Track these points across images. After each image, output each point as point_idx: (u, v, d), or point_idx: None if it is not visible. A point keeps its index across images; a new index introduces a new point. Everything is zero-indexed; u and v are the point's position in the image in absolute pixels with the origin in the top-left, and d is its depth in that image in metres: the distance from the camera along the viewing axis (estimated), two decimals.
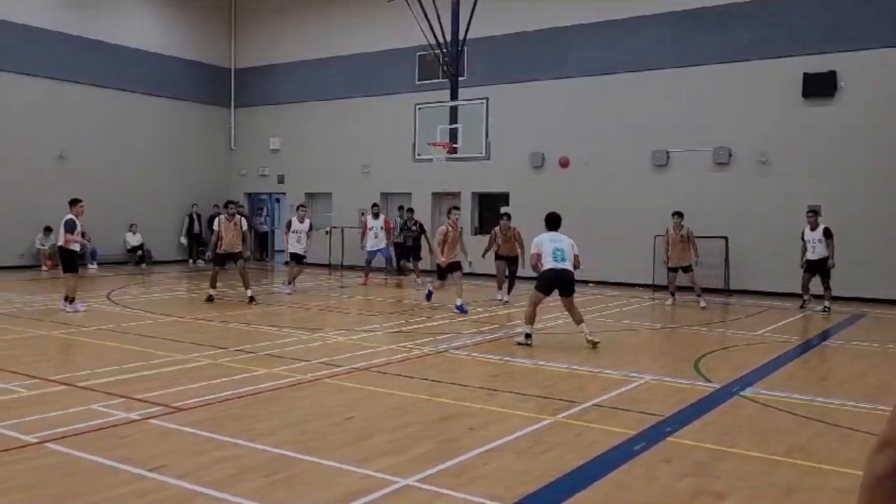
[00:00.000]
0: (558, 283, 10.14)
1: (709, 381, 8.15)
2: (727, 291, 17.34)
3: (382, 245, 18.73)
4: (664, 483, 4.99)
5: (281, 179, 25.61)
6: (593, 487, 4.90)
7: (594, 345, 9.91)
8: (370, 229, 18.61)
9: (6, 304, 13.58)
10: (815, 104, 16.74)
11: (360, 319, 12.61)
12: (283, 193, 25.84)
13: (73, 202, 13.10)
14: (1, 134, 20.37)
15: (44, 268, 20.56)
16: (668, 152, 18.50)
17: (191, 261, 24.58)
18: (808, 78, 16.69)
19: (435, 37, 17.08)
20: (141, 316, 12.32)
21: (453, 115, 16.08)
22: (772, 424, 6.53)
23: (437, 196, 22.41)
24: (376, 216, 18.81)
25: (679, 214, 15.23)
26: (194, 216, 24.73)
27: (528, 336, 10.10)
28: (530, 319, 10.16)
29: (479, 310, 13.85)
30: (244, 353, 9.21)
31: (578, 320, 10.26)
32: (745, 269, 17.44)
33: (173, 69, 24.69)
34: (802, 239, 14.45)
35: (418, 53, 21.71)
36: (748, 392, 7.63)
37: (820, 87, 16.59)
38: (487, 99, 15.84)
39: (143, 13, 24.00)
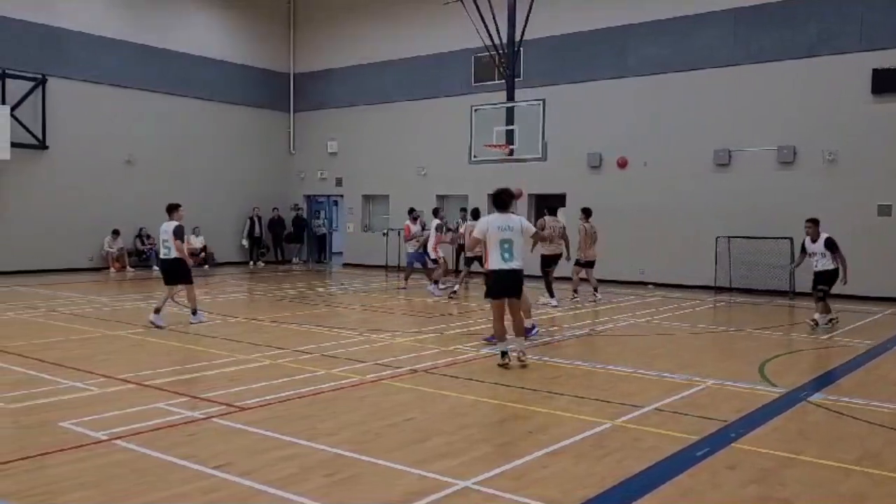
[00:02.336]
0: (509, 285, 8.69)
1: (775, 385, 7.94)
2: (792, 294, 16.86)
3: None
4: (728, 490, 4.88)
5: (339, 182, 25.91)
6: (655, 493, 4.82)
7: (523, 365, 8.68)
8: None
9: (77, 305, 14.06)
10: (885, 100, 16.18)
11: (420, 321, 12.66)
12: (341, 196, 26.15)
13: (175, 207, 11.92)
14: (71, 139, 21.11)
15: (111, 270, 21.20)
16: (730, 151, 18.10)
17: (252, 262, 25.04)
18: (877, 73, 16.17)
19: (491, 38, 17.05)
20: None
21: (509, 116, 16.04)
22: (841, 431, 6.33)
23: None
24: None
25: (586, 211, 15.64)
26: (255, 219, 25.19)
27: (504, 355, 8.69)
28: (501, 334, 8.82)
29: (539, 310, 13.76)
30: (304, 354, 9.34)
31: (519, 332, 8.93)
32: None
33: (234, 75, 25.23)
34: (802, 250, 12.57)
35: (474, 55, 21.73)
36: (816, 397, 7.41)
37: (890, 82, 16.06)
38: (544, 100, 15.74)
39: (206, 22, 24.59)
